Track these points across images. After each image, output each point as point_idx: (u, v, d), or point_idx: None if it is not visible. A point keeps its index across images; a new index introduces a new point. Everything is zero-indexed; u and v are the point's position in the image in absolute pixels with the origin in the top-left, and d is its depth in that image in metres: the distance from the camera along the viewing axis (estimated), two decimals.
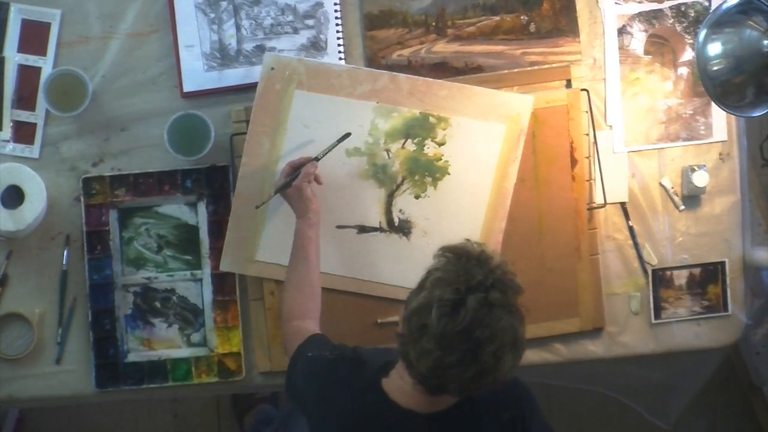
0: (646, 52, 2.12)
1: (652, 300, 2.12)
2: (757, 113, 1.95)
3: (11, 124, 2.03)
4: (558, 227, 2.06)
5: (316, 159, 1.90)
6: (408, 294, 1.56)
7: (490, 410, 1.65)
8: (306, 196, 1.87)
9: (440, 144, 2.00)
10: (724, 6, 1.94)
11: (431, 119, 1.99)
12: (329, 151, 1.92)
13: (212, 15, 2.05)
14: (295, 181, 1.87)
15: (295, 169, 1.89)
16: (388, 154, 2.00)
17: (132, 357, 2.04)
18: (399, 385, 1.60)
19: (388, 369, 1.63)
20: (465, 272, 1.50)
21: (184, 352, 2.05)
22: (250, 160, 1.98)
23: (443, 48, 2.08)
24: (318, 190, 1.94)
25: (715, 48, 1.94)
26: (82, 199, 2.03)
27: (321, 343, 1.74)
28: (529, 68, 2.08)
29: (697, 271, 2.13)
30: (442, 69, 2.07)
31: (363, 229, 2.02)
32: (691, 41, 2.11)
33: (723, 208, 2.14)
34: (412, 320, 1.51)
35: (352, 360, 1.67)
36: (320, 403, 1.65)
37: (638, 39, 2.11)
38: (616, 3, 2.10)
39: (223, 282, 2.04)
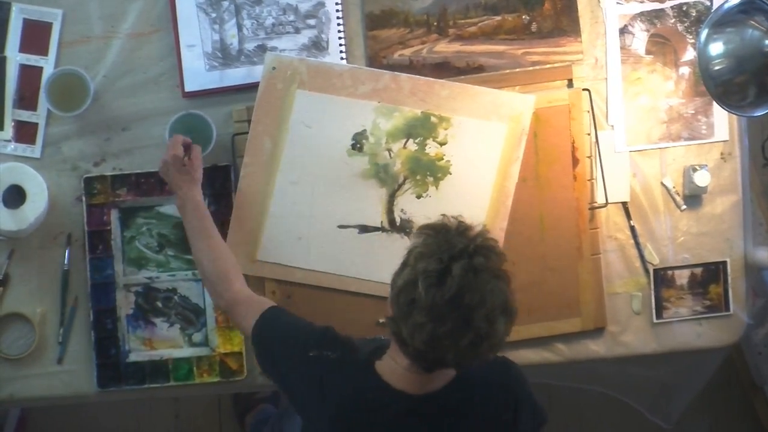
0: (648, 52, 2.12)
1: (653, 300, 2.12)
2: (759, 113, 1.95)
3: (13, 123, 2.03)
4: (559, 227, 2.05)
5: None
6: (392, 276, 1.56)
7: (482, 391, 1.65)
8: (185, 169, 1.88)
9: (442, 144, 2.00)
10: (726, 6, 1.93)
11: (433, 119, 1.99)
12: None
13: (214, 15, 2.05)
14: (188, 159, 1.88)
15: (185, 147, 1.89)
16: (389, 154, 2.00)
17: (133, 357, 2.04)
18: (392, 367, 1.60)
19: (380, 353, 1.64)
20: (446, 243, 1.51)
21: (186, 351, 2.05)
22: (252, 160, 1.98)
23: (445, 48, 2.07)
24: (320, 189, 1.96)
25: (716, 48, 1.94)
26: (83, 199, 2.03)
27: (304, 328, 1.72)
28: (530, 68, 2.08)
29: (698, 270, 2.13)
30: (444, 69, 2.06)
31: (364, 229, 2.02)
32: (693, 41, 2.11)
33: (724, 207, 2.14)
34: (400, 298, 1.51)
35: (346, 344, 1.67)
36: (316, 394, 1.65)
37: (640, 39, 2.11)
38: (617, 3, 2.10)
39: None
